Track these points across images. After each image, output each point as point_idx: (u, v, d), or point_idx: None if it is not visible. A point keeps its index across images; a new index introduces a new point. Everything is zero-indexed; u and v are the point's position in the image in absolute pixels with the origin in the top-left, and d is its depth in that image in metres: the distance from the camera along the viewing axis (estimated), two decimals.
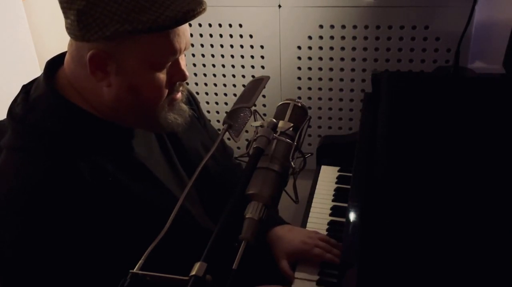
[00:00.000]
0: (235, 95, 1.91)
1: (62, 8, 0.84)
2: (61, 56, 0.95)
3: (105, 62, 0.85)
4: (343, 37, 1.69)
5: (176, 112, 0.97)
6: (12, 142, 0.90)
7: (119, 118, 0.93)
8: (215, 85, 1.91)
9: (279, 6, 1.69)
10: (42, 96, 0.90)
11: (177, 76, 0.93)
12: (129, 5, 0.80)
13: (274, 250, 1.18)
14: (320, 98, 1.83)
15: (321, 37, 1.71)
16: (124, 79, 0.87)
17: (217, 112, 1.97)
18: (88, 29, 0.81)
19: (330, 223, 1.31)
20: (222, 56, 1.84)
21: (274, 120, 0.79)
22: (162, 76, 0.89)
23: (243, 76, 1.86)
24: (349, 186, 1.32)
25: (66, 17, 0.84)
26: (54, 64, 0.94)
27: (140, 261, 0.61)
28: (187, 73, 0.94)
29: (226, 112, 1.67)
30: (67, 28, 0.85)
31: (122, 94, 0.89)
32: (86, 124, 0.91)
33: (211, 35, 1.80)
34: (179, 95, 0.97)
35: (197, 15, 0.84)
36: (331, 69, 1.76)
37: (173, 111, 0.96)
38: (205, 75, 1.90)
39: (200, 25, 1.79)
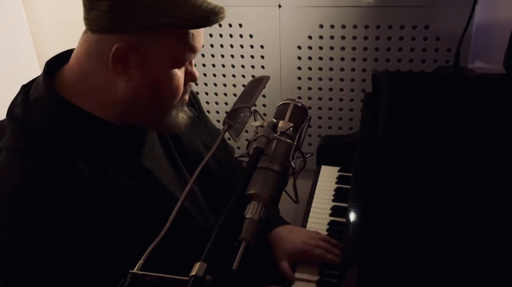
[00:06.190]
0: (235, 95, 1.91)
1: (88, 0, 0.84)
2: (61, 56, 0.94)
3: (128, 56, 0.85)
4: (343, 37, 1.69)
5: (184, 112, 0.99)
6: (11, 143, 0.90)
7: (125, 117, 0.93)
8: (215, 85, 1.91)
9: (279, 6, 1.69)
10: (41, 97, 0.90)
11: (189, 76, 0.95)
12: (165, 0, 0.81)
13: (275, 251, 1.18)
14: (320, 98, 1.83)
15: (321, 37, 1.71)
16: (146, 73, 0.88)
17: (217, 112, 1.97)
18: (121, 20, 0.82)
19: (330, 223, 1.31)
20: (222, 56, 1.84)
21: (274, 120, 0.79)
22: (181, 74, 0.92)
23: (243, 76, 1.86)
24: (349, 186, 1.32)
25: (92, 8, 0.83)
26: (54, 65, 0.93)
27: (140, 261, 0.61)
28: (197, 74, 0.96)
29: (226, 112, 1.66)
30: (91, 20, 0.84)
31: (141, 88, 0.89)
32: (86, 125, 0.91)
33: (211, 35, 1.80)
34: (187, 96, 0.98)
35: (223, 18, 0.86)
36: (331, 69, 1.76)
37: (182, 111, 0.98)
38: (205, 75, 1.90)
39: None
